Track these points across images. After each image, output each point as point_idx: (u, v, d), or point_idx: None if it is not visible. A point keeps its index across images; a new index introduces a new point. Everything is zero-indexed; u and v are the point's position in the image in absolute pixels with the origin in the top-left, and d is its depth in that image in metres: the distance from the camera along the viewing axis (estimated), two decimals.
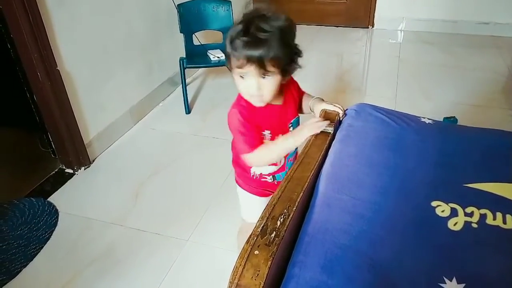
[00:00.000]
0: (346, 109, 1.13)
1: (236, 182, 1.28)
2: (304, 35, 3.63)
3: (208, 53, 2.54)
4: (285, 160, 1.15)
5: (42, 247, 1.65)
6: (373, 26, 3.76)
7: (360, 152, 0.91)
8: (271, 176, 1.18)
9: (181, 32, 2.48)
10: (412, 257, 0.67)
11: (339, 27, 3.82)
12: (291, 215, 0.73)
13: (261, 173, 1.17)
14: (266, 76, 0.95)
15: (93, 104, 2.12)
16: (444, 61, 3.11)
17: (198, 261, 1.54)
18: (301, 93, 1.17)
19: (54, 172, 2.10)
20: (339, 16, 3.81)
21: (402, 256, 0.67)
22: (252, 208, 1.26)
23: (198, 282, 1.47)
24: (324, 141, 1.00)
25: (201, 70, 3.03)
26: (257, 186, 1.21)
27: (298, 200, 0.77)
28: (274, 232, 0.69)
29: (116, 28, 2.22)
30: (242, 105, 1.03)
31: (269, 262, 0.63)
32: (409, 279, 0.64)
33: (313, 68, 3.17)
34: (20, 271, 1.56)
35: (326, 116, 1.10)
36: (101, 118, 2.19)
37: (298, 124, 1.13)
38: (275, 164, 1.14)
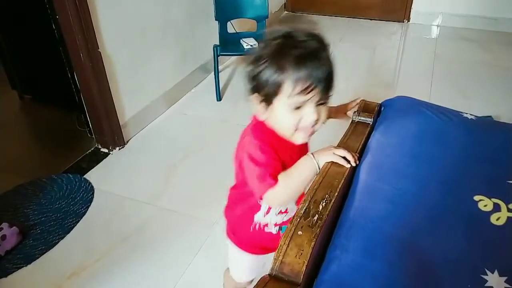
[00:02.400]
0: (386, 100, 1.12)
1: (228, 236, 1.07)
2: (337, 28, 3.60)
3: (241, 41, 2.56)
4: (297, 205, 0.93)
5: (79, 221, 1.73)
6: (409, 21, 3.68)
7: (401, 143, 0.91)
8: (277, 226, 0.99)
9: (216, 20, 2.50)
10: (454, 248, 0.68)
11: (373, 20, 3.75)
12: (332, 200, 0.75)
13: (266, 224, 0.98)
14: (324, 102, 0.79)
15: (130, 87, 2.18)
16: (483, 59, 3.01)
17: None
18: None
19: (90, 151, 2.18)
20: (374, 9, 3.74)
21: (444, 247, 0.68)
22: (244, 268, 1.12)
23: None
24: (363, 131, 1.00)
25: (233, 58, 3.05)
26: (256, 242, 1.02)
27: (339, 186, 0.78)
28: (317, 215, 0.71)
29: (155, 13, 2.27)
30: (261, 135, 0.83)
31: (312, 243, 0.65)
32: (451, 269, 0.64)
33: (345, 62, 3.13)
34: (58, 242, 1.64)
35: (366, 107, 1.10)
36: (136, 101, 2.25)
37: None
38: (285, 212, 0.97)
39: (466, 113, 1.08)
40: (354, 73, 2.90)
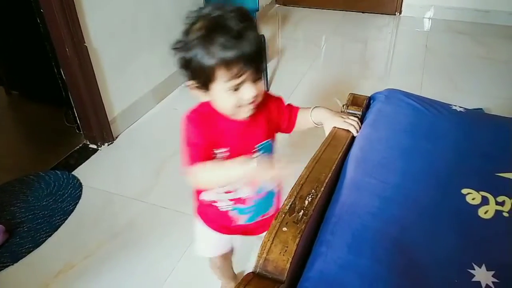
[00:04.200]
0: (375, 93, 1.11)
1: (195, 213, 1.08)
2: (329, 21, 3.58)
3: None
4: (251, 193, 0.95)
5: (67, 218, 1.70)
6: (400, 13, 3.66)
7: (390, 137, 0.90)
8: (230, 206, 0.97)
9: None
10: (441, 243, 0.67)
11: (365, 13, 3.73)
12: (318, 195, 0.73)
13: (215, 201, 0.97)
14: (259, 79, 0.79)
15: (118, 82, 2.15)
16: (474, 51, 3.01)
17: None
18: (289, 111, 0.97)
19: (78, 147, 2.15)
20: (366, 2, 3.71)
21: (432, 241, 0.67)
22: (207, 243, 1.12)
23: None
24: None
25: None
26: (215, 218, 1.03)
27: (326, 181, 0.77)
28: (302, 211, 0.69)
29: (143, 7, 2.23)
30: (200, 112, 0.86)
31: (297, 239, 0.64)
32: (438, 264, 0.63)
33: (337, 55, 3.13)
34: (45, 240, 1.61)
35: (355, 100, 1.09)
36: (125, 96, 2.22)
37: (271, 151, 0.94)
38: (231, 192, 0.94)
39: (456, 106, 1.07)
40: (346, 65, 2.89)
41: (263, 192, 0.96)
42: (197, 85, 0.80)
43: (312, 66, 2.92)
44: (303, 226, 0.66)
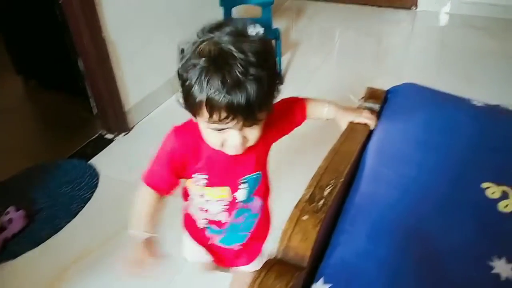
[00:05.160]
0: (393, 87, 1.11)
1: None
2: (344, 15, 3.55)
3: None
4: (228, 218, 0.94)
5: (84, 205, 1.74)
6: (416, 8, 3.62)
7: (408, 130, 0.90)
8: (204, 221, 0.96)
9: (220, 6, 2.48)
10: (460, 235, 0.67)
11: (381, 7, 3.69)
12: (338, 186, 0.74)
13: (195, 216, 0.98)
14: (250, 126, 0.71)
15: (134, 73, 2.17)
16: (492, 47, 2.96)
17: None
18: (296, 109, 0.93)
19: (94, 137, 2.19)
20: None
21: (450, 234, 0.67)
22: (187, 245, 1.10)
23: None
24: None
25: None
26: (192, 228, 1.02)
27: (345, 172, 0.78)
28: (322, 200, 0.70)
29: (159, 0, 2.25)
30: (189, 130, 0.80)
31: (317, 228, 0.65)
32: (456, 255, 0.64)
33: (351, 49, 3.11)
34: (64, 226, 1.66)
35: (372, 93, 1.09)
36: (141, 87, 2.24)
37: (258, 185, 0.90)
38: (205, 211, 0.93)
39: (475, 100, 1.07)
40: (360, 60, 2.88)
41: (241, 217, 0.94)
42: (185, 106, 0.73)
43: (326, 60, 2.91)
44: (322, 216, 0.67)
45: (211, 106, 0.66)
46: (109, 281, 1.46)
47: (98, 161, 2.00)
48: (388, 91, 1.10)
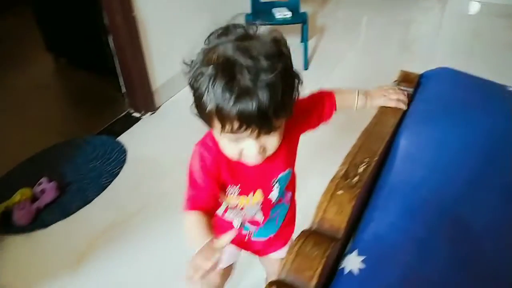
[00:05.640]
0: (426, 71, 1.10)
1: None
2: (371, 1, 3.48)
3: (273, 11, 2.53)
4: (265, 217, 0.91)
5: (113, 180, 1.80)
6: None
7: (441, 113, 0.90)
8: (239, 221, 0.93)
9: None
10: (494, 217, 0.68)
11: None
12: (372, 165, 0.75)
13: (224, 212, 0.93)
14: (268, 133, 0.67)
15: (162, 53, 2.20)
16: None
17: None
18: (324, 103, 0.90)
19: (122, 115, 2.24)
20: None
21: (484, 215, 0.68)
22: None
23: None
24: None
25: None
26: (221, 229, 0.92)
27: (379, 152, 0.79)
28: (357, 177, 0.72)
29: None
30: (210, 147, 0.77)
31: (353, 202, 0.66)
32: (491, 237, 0.65)
33: (378, 36, 3.05)
34: (93, 199, 1.72)
35: (406, 76, 1.08)
36: (168, 67, 2.27)
37: (289, 180, 0.88)
38: (235, 208, 0.88)
39: (510, 87, 1.05)
40: (387, 47, 2.83)
41: (276, 212, 0.93)
42: (199, 116, 0.70)
43: (352, 46, 2.88)
44: (357, 191, 0.68)
45: (222, 116, 0.63)
46: (135, 254, 1.52)
47: (126, 139, 2.05)
48: (421, 75, 1.09)
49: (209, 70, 0.63)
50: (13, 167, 1.88)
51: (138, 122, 2.18)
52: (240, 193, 0.83)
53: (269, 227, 0.96)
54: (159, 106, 2.27)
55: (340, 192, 0.68)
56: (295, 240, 0.61)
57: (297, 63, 2.92)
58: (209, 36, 0.69)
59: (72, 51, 2.63)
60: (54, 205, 1.68)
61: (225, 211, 0.91)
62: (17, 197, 1.64)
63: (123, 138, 2.05)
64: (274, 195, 0.87)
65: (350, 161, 0.76)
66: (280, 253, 1.04)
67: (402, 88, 1.04)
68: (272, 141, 0.70)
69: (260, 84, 0.61)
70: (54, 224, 1.63)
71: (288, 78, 0.67)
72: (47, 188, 1.67)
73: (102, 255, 1.52)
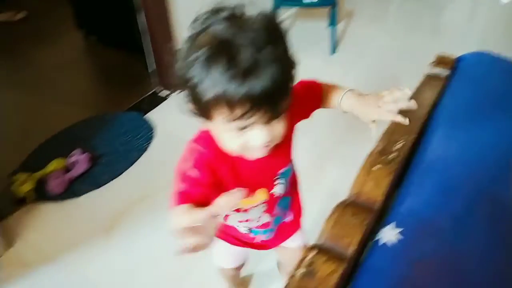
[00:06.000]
0: (464, 54, 1.09)
1: None
2: None
3: None
4: (271, 217, 0.86)
5: (141, 154, 1.85)
6: None
7: (481, 96, 0.89)
8: (245, 228, 0.88)
9: None
10: None
11: None
12: (409, 143, 0.76)
13: (226, 217, 0.86)
14: (276, 117, 0.61)
15: None
16: None
17: None
18: (311, 96, 0.82)
19: (150, 93, 2.28)
20: None
21: None
22: (221, 254, 1.05)
23: None
24: (439, 83, 0.99)
25: (293, 10, 2.99)
26: (227, 231, 0.92)
27: (416, 130, 0.80)
28: (394, 154, 0.73)
29: None
30: (205, 145, 0.69)
31: (390, 177, 0.68)
32: None
33: (409, 21, 2.99)
34: (122, 172, 1.78)
35: (442, 59, 1.08)
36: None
37: (290, 176, 0.83)
38: (244, 211, 0.82)
39: None
40: (417, 33, 2.77)
41: (281, 207, 0.87)
42: (195, 111, 0.64)
43: (381, 31, 2.83)
44: (395, 167, 0.70)
45: (227, 101, 0.55)
46: (161, 226, 1.57)
47: (153, 116, 2.09)
48: (458, 59, 1.08)
49: (203, 53, 0.56)
50: (47, 139, 1.94)
51: (165, 101, 2.22)
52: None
53: (276, 223, 0.90)
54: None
55: (377, 167, 0.70)
56: (332, 210, 0.63)
57: (324, 47, 2.92)
58: (193, 22, 0.62)
59: (102, 29, 2.68)
60: (85, 176, 1.74)
61: (226, 217, 0.85)
62: (51, 167, 1.71)
63: (151, 115, 2.10)
64: (278, 190, 0.81)
65: (387, 139, 0.77)
66: (292, 242, 1.00)
67: (437, 71, 1.04)
68: (278, 128, 0.63)
69: (265, 60, 0.55)
70: (85, 194, 1.69)
71: (289, 56, 0.61)
72: (79, 160, 1.73)
73: (130, 226, 1.58)
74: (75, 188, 1.70)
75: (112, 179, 1.74)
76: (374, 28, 2.85)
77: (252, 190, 0.76)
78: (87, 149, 1.83)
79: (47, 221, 1.62)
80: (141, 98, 2.25)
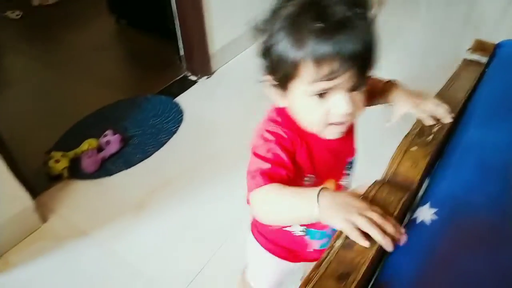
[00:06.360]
0: (504, 40, 1.06)
1: (252, 230, 0.88)
2: None
3: None
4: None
5: (171, 137, 1.89)
6: None
7: None
8: (302, 229, 0.80)
9: None
10: None
11: None
12: (446, 126, 0.76)
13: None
14: (360, 87, 0.59)
15: (221, 19, 2.23)
16: None
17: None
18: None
19: (179, 77, 2.31)
20: None
21: None
22: (262, 269, 0.92)
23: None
24: (478, 68, 0.97)
25: None
26: (279, 241, 0.83)
27: (454, 114, 0.79)
28: (431, 136, 0.73)
29: None
30: (281, 123, 0.66)
31: (427, 158, 0.68)
32: None
33: (441, 11, 2.91)
34: (153, 153, 1.82)
35: (480, 45, 1.05)
36: (226, 32, 2.30)
37: (354, 166, 0.78)
38: None
39: None
40: (449, 25, 2.70)
41: None
42: (274, 82, 0.62)
43: (412, 21, 2.77)
44: (432, 149, 0.70)
45: (316, 58, 0.53)
46: (190, 205, 1.61)
47: (183, 100, 2.13)
48: (497, 45, 1.06)
49: (290, 8, 0.55)
50: (80, 119, 2.01)
51: (194, 85, 2.25)
52: (314, 184, 0.71)
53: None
54: (215, 71, 2.32)
55: (414, 148, 0.70)
56: (369, 188, 0.63)
57: None
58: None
59: (133, 13, 2.72)
60: (117, 156, 1.80)
61: None
62: (85, 146, 1.77)
63: (180, 99, 2.14)
64: (345, 183, 0.78)
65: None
66: None
67: (475, 57, 1.02)
68: (360, 98, 0.61)
69: (357, 17, 0.53)
70: (117, 174, 1.75)
71: (374, 24, 0.58)
72: (111, 140, 1.79)
73: (159, 205, 1.63)
74: (107, 167, 1.76)
75: (143, 160, 1.79)
76: (406, 16, 2.79)
77: (323, 176, 0.73)
78: (119, 130, 1.89)
79: (80, 198, 1.68)
80: (171, 82, 2.29)
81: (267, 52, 0.60)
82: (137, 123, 1.97)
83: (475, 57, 1.02)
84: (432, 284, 0.53)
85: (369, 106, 0.76)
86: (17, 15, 2.95)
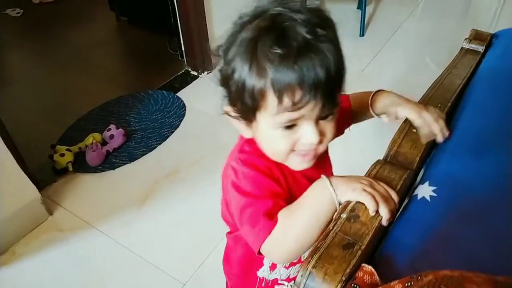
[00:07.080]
0: (500, 30, 1.09)
1: None
2: None
3: None
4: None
5: (173, 131, 1.92)
6: None
7: None
8: (291, 282, 0.75)
9: None
10: None
11: None
12: (445, 110, 0.79)
13: (275, 279, 0.74)
14: (328, 115, 0.55)
15: (222, 15, 2.26)
16: None
17: None
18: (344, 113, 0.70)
19: (180, 73, 2.34)
20: None
21: None
22: None
23: None
24: (475, 56, 1.00)
25: None
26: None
27: (449, 103, 0.82)
28: None
29: None
30: (252, 152, 0.62)
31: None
32: None
33: (438, 6, 2.95)
34: (156, 147, 1.85)
35: (477, 35, 1.08)
36: (227, 27, 2.32)
37: None
38: (298, 262, 0.71)
39: None
40: (447, 18, 2.73)
41: None
42: (237, 113, 0.58)
43: (410, 15, 2.80)
44: None
45: (279, 86, 0.49)
46: (193, 198, 1.64)
47: (185, 94, 2.16)
48: (494, 35, 1.09)
49: (248, 32, 0.51)
50: (83, 114, 2.03)
51: (195, 80, 2.27)
52: None
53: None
54: (216, 66, 2.34)
55: (414, 130, 0.73)
56: (371, 166, 0.66)
57: (353, 30, 2.92)
58: (234, 23, 0.58)
59: (133, 10, 2.74)
60: (121, 149, 1.82)
61: (273, 266, 0.73)
62: (89, 140, 1.80)
63: (182, 94, 2.16)
64: None
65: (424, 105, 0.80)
66: None
67: (472, 46, 1.04)
68: (330, 127, 0.56)
69: (321, 37, 0.49)
70: (120, 167, 1.77)
71: (340, 46, 0.54)
72: (115, 134, 1.81)
73: (162, 198, 1.65)
74: (111, 161, 1.78)
75: (146, 154, 1.81)
76: (404, 11, 2.82)
77: None
78: (122, 125, 1.91)
79: (85, 191, 1.71)
80: (172, 77, 2.31)
81: (225, 81, 0.57)
82: (140, 118, 1.99)
83: (473, 46, 1.05)
84: (432, 255, 0.56)
85: (360, 121, 0.77)
86: (17, 13, 2.97)
